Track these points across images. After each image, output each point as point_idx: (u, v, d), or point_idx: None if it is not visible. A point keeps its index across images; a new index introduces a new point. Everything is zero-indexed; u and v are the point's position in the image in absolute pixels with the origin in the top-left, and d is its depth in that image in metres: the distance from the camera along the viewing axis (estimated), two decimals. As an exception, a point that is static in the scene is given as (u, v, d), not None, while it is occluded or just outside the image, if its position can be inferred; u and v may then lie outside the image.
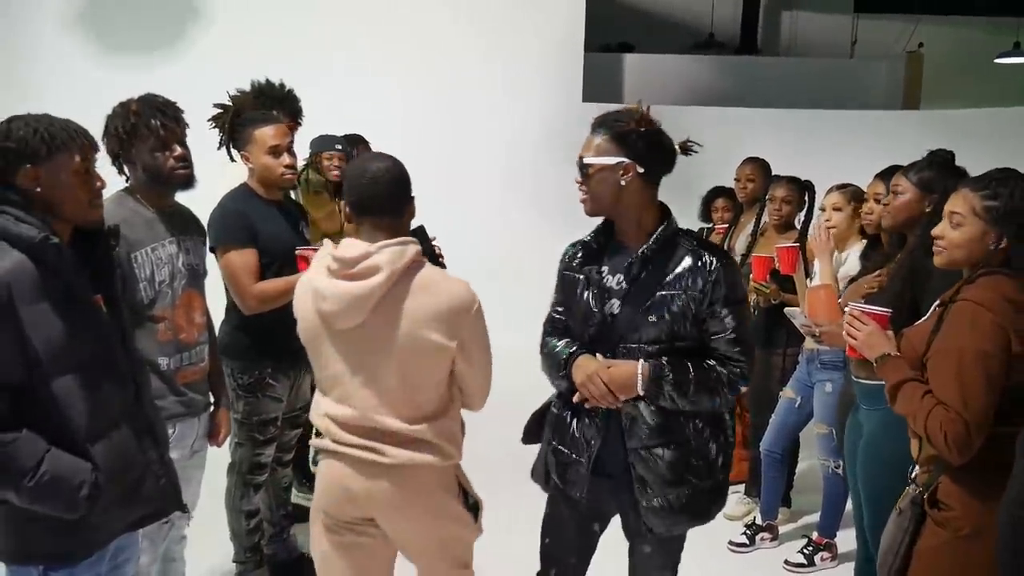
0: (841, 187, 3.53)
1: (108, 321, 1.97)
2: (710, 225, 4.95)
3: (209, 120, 3.15)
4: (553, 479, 2.38)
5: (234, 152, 3.20)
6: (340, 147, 4.37)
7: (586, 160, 2.19)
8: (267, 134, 3.10)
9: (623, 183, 2.16)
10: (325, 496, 2.19)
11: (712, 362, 2.18)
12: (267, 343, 3.15)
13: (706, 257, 2.16)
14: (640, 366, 2.16)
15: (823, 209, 3.59)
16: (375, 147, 4.99)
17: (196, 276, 2.67)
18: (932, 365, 2.00)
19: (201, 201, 3.00)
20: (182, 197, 2.69)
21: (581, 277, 2.28)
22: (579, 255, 2.32)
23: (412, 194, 2.20)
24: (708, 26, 11.47)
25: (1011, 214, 1.99)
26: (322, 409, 2.18)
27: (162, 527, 2.59)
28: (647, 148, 2.15)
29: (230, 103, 3.22)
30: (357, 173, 2.14)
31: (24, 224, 1.80)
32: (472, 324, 2.12)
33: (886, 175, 3.04)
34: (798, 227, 4.00)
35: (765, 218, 4.23)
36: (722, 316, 2.16)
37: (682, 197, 5.64)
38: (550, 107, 7.23)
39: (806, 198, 4.01)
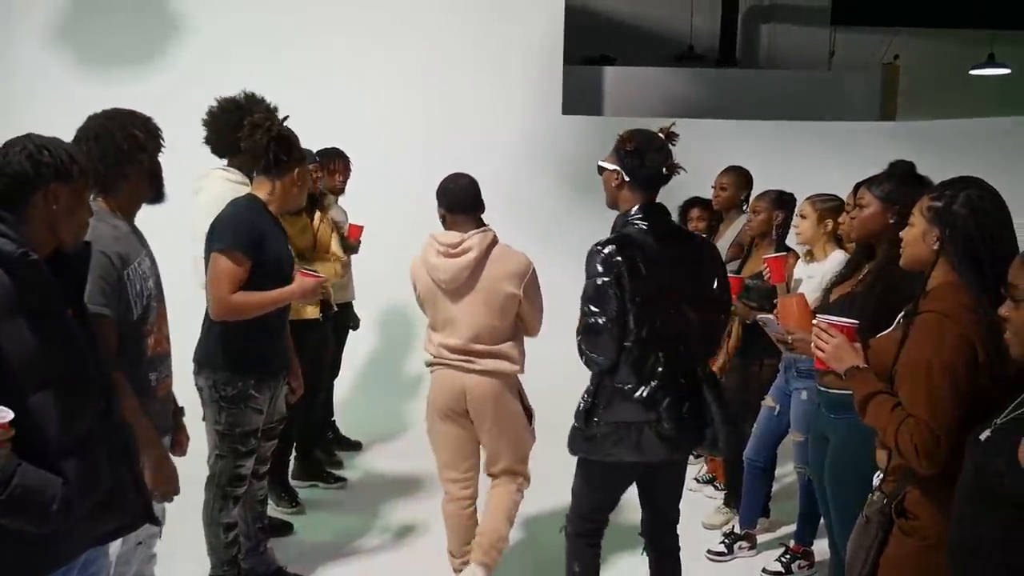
0: (815, 196, 3.57)
1: (81, 336, 1.97)
2: None
3: (257, 135, 3.13)
4: None
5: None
6: (318, 160, 4.37)
7: (599, 163, 2.86)
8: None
9: (614, 185, 2.81)
10: (441, 392, 3.28)
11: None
12: (251, 355, 3.17)
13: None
14: None
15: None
16: (355, 161, 5.00)
17: (161, 288, 2.68)
18: (900, 378, 2.01)
19: (178, 215, 3.02)
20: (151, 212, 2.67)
21: None
22: None
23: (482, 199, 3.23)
24: (687, 39, 11.57)
25: (947, 213, 2.01)
26: (436, 340, 3.27)
27: (138, 547, 2.59)
28: (632, 163, 2.76)
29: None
30: (453, 186, 3.19)
31: (2, 239, 1.80)
32: (531, 279, 3.21)
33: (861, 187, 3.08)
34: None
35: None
36: None
37: (659, 208, 5.69)
38: (530, 120, 7.26)
39: (783, 210, 4.06)
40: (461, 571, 3.37)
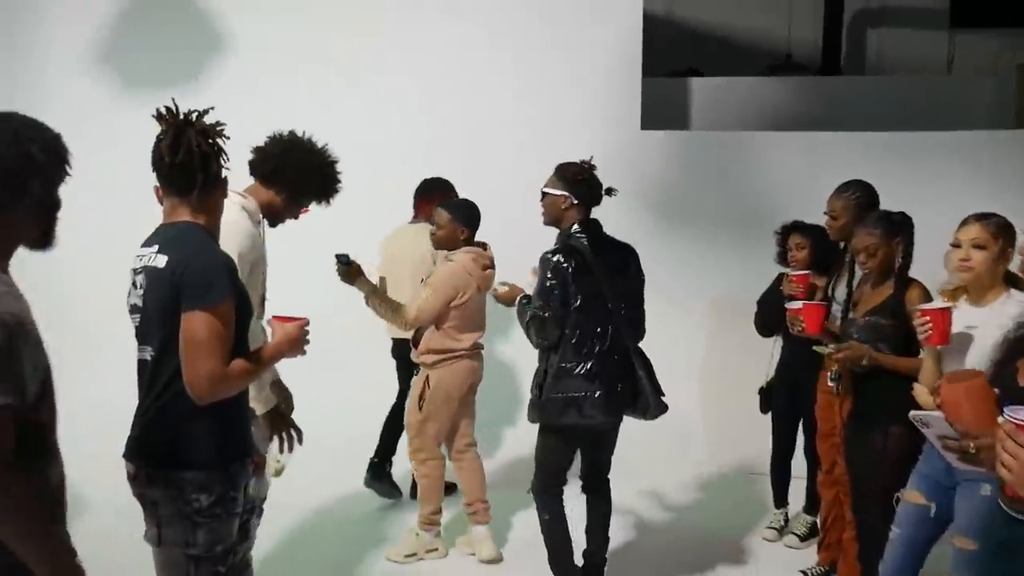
0: (983, 217, 2.67)
1: None
2: (786, 270, 4.11)
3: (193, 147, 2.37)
4: None
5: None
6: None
7: (543, 189, 3.56)
8: None
9: (562, 207, 3.51)
10: (468, 376, 4.10)
11: None
12: (234, 439, 2.40)
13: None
14: None
15: (957, 246, 2.72)
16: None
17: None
18: None
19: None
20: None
21: None
22: None
23: None
24: (785, 48, 10.62)
25: None
26: (466, 338, 4.04)
27: None
28: (581, 189, 3.48)
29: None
30: (477, 210, 4.13)
31: None
32: None
33: None
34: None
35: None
36: None
37: (754, 233, 4.84)
38: (606, 136, 6.50)
39: (901, 235, 3.19)
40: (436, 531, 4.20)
